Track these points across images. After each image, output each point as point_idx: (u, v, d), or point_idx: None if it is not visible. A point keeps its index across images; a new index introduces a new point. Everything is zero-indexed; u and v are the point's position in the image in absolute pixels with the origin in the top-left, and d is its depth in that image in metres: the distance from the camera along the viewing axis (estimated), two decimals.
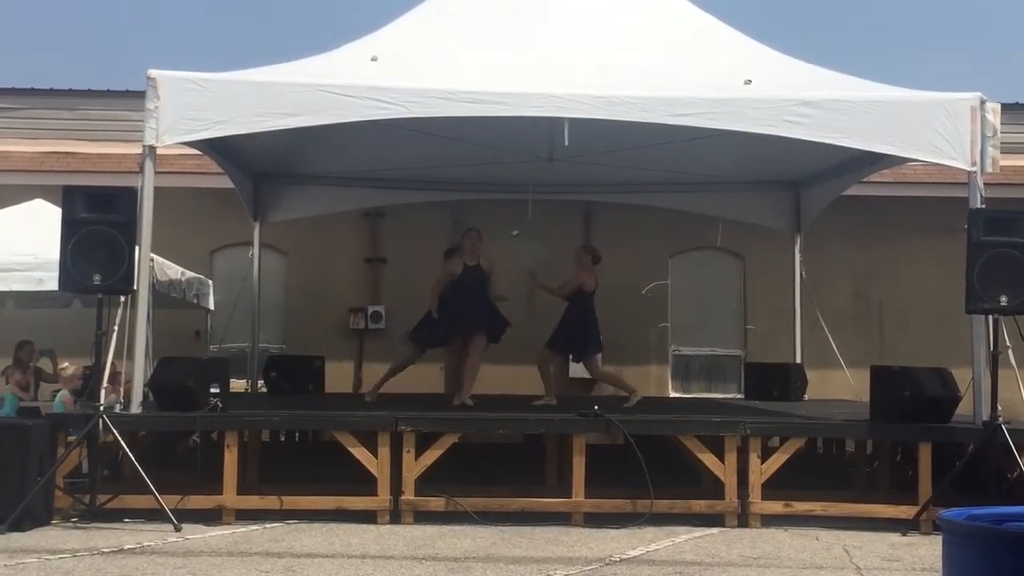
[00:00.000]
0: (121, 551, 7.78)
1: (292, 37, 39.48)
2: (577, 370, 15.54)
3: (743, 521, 9.19)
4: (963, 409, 9.64)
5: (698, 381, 16.39)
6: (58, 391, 12.95)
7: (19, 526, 8.38)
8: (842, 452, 12.08)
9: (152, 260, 10.28)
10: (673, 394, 16.10)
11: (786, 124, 9.65)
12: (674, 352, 16.31)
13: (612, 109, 9.60)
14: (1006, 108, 10.42)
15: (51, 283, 9.89)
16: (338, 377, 15.00)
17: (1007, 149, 10.73)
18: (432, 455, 9.27)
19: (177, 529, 8.50)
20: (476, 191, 14.62)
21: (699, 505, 9.33)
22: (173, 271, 12.41)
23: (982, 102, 9.56)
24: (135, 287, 9.26)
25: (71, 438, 9.28)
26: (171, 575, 7.00)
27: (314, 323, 15.71)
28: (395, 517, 9.09)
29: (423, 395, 12.79)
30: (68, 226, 9.00)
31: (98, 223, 8.95)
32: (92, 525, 8.72)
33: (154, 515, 8.70)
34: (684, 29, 11.75)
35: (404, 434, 9.20)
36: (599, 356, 12.04)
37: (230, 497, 9.10)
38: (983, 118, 9.54)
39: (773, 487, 9.31)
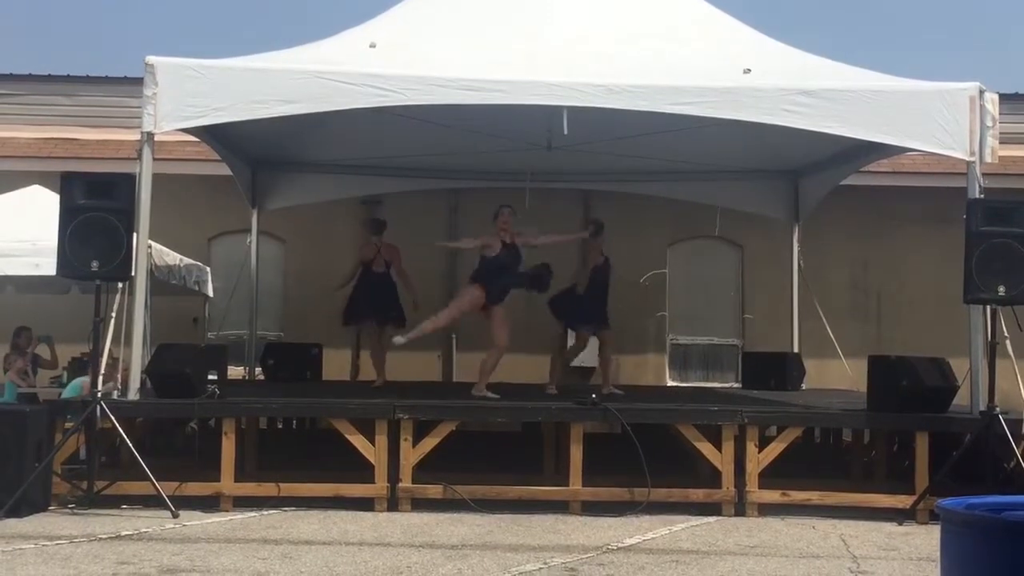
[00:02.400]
0: (118, 537, 7.79)
1: (291, 23, 39.47)
2: (576, 359, 15.58)
3: (740, 510, 9.20)
4: (960, 399, 9.66)
5: (696, 370, 16.39)
6: (57, 377, 12.95)
7: (17, 512, 8.40)
8: (839, 441, 12.09)
9: (150, 247, 10.27)
10: (671, 383, 16.11)
11: (785, 113, 9.64)
12: (672, 341, 16.31)
13: (611, 97, 9.58)
14: (1005, 98, 10.43)
15: (49, 269, 9.88)
16: (336, 365, 14.99)
17: (1006, 139, 10.71)
18: (430, 443, 9.27)
19: (175, 516, 8.51)
20: (474, 179, 14.61)
21: (696, 494, 9.35)
22: (171, 258, 12.39)
23: (981, 92, 9.56)
24: (133, 274, 9.26)
25: (69, 424, 9.28)
26: (168, 561, 7.00)
27: (312, 311, 15.66)
28: (392, 505, 9.10)
29: (421, 383, 12.79)
30: (66, 212, 8.98)
31: (96, 209, 8.94)
32: (90, 511, 8.73)
33: (152, 501, 8.71)
34: (685, 18, 11.72)
35: (402, 422, 9.21)
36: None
37: (227, 484, 9.11)
38: (982, 108, 9.53)
39: (770, 476, 9.33)
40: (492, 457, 10.80)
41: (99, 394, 8.96)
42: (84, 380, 11.81)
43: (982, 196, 9.47)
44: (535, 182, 13.95)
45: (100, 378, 9.19)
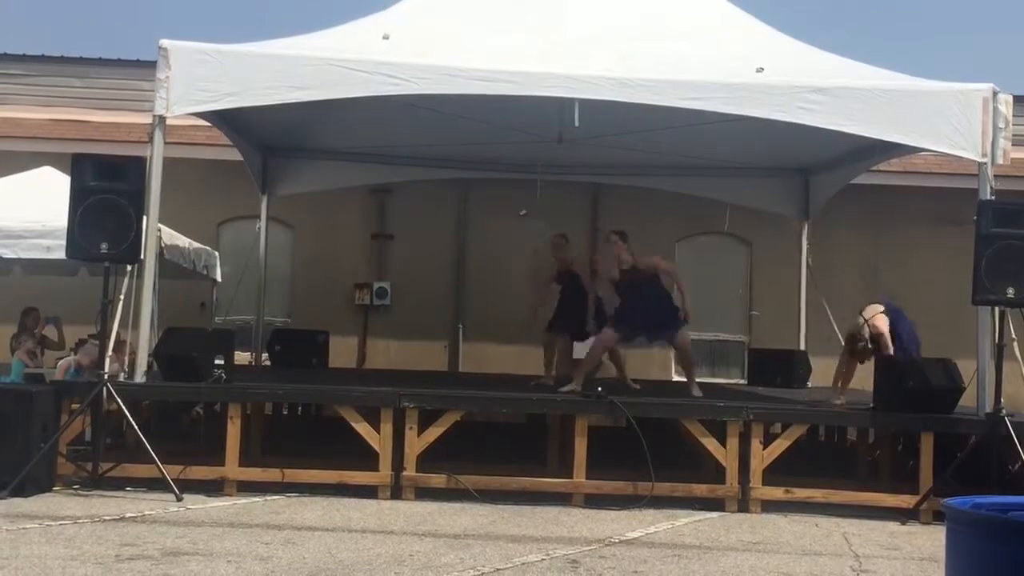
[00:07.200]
0: (122, 519, 7.81)
1: (305, 10, 39.43)
2: (581, 353, 15.55)
3: (743, 506, 9.21)
4: (967, 400, 9.64)
5: (702, 366, 16.32)
6: (62, 358, 12.96)
7: (21, 491, 8.43)
8: (844, 440, 12.08)
9: (159, 230, 10.27)
10: (676, 378, 16.08)
11: (798, 110, 9.63)
12: None
13: (623, 91, 9.58)
14: (1018, 100, 10.39)
15: (58, 251, 9.89)
16: (342, 352, 15.01)
17: (1018, 141, 10.69)
18: (435, 432, 9.28)
19: (178, 499, 8.53)
20: (485, 170, 14.60)
21: (700, 489, 9.35)
22: (181, 242, 12.41)
23: (994, 93, 9.54)
24: (142, 257, 9.27)
25: (75, 406, 9.30)
26: (171, 544, 7.02)
27: (319, 298, 15.71)
28: (396, 493, 9.11)
29: (427, 372, 12.80)
30: (76, 194, 8.99)
31: (106, 192, 8.95)
32: (94, 493, 8.76)
33: (156, 484, 8.73)
34: (699, 14, 11.70)
35: (407, 411, 9.22)
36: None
37: (232, 468, 9.13)
38: (995, 109, 9.52)
39: (774, 473, 9.33)
40: (496, 448, 10.80)
41: (105, 376, 8.98)
42: (68, 360, 11.83)
43: (993, 197, 9.46)
44: (545, 174, 13.94)
45: (107, 359, 9.20)
